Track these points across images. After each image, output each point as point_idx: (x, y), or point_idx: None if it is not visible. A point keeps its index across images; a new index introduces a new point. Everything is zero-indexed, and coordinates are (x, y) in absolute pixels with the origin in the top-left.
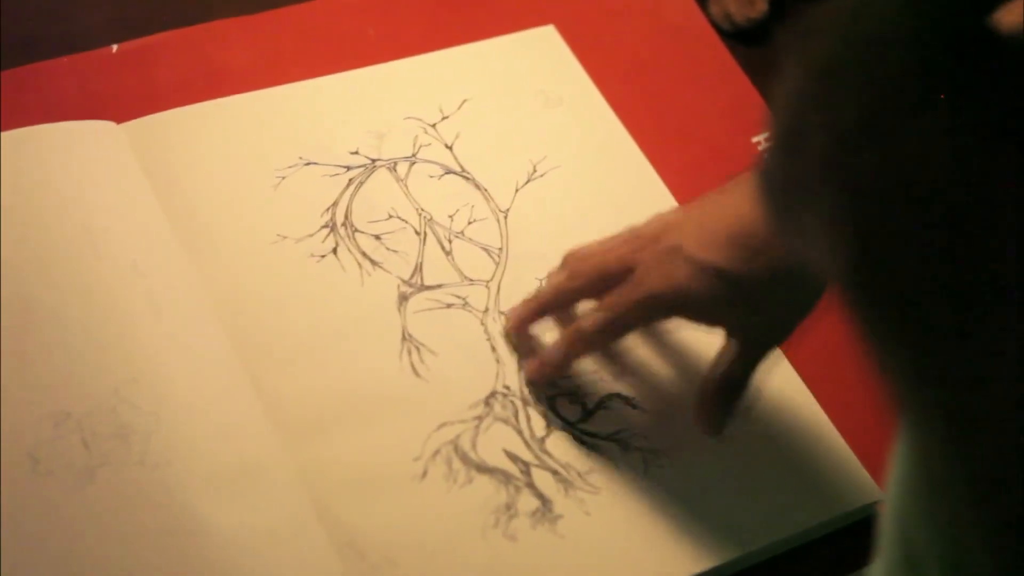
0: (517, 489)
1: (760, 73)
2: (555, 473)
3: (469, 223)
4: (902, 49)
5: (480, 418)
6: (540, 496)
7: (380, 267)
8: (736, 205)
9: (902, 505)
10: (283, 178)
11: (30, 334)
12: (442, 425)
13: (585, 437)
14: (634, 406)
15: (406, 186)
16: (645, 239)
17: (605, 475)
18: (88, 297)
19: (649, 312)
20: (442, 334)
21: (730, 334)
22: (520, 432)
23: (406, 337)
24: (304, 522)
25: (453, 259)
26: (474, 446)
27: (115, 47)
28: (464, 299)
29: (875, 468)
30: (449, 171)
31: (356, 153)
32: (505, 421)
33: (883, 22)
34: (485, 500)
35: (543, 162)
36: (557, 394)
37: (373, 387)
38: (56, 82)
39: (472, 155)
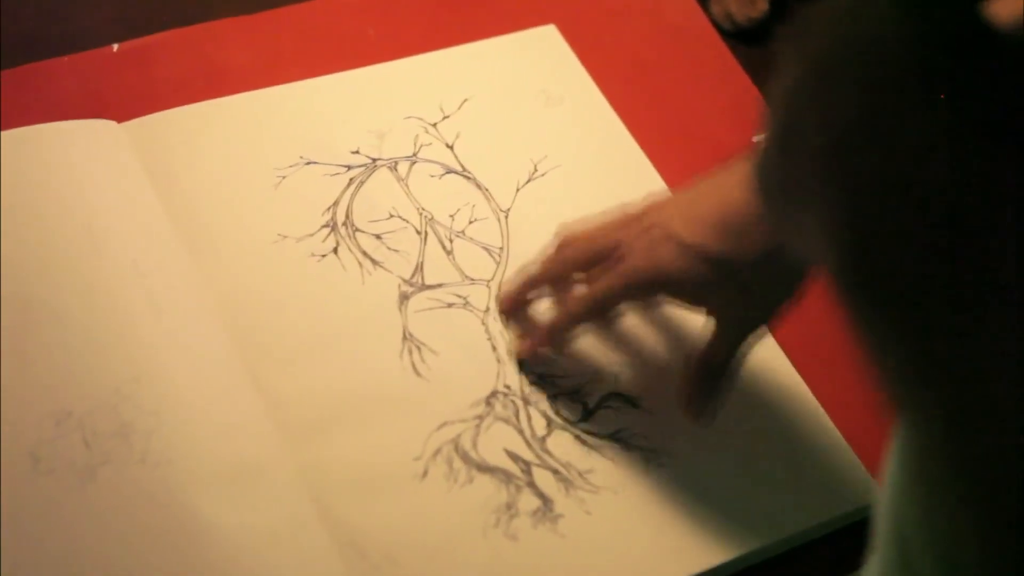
0: (518, 488)
1: (761, 73)
2: (556, 472)
3: (470, 222)
4: (899, 47)
5: (481, 417)
6: (541, 495)
7: (381, 266)
8: (723, 189)
9: (897, 503)
10: (284, 177)
11: (31, 333)
12: (443, 424)
13: (586, 436)
14: (635, 405)
15: (407, 185)
16: (635, 221)
17: (606, 475)
18: (89, 296)
19: (632, 289)
20: (443, 333)
21: (713, 315)
22: (521, 431)
23: (407, 336)
24: (305, 521)
25: (454, 258)
26: (475, 445)
27: (116, 46)
28: (465, 298)
29: (875, 468)
30: (450, 170)
31: (357, 152)
32: (506, 420)
33: (880, 20)
34: (486, 499)
35: (544, 161)
36: (558, 393)
37: (374, 386)
38: (57, 81)
39: (473, 154)
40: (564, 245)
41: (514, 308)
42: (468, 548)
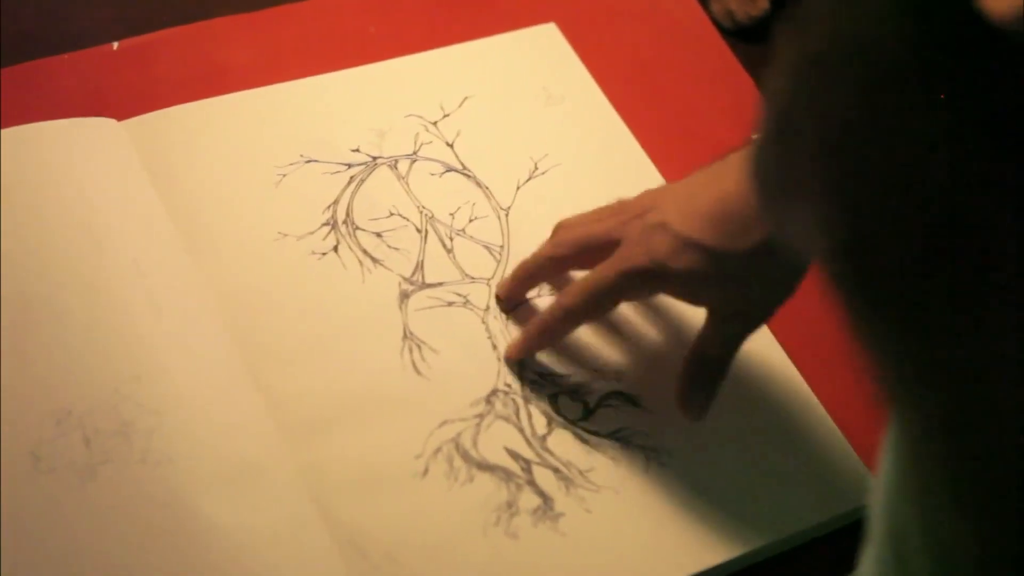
0: (518, 487)
1: (762, 71)
2: (556, 471)
3: (470, 221)
4: (897, 43)
5: (481, 416)
6: (541, 494)
7: (381, 265)
8: (720, 181)
9: (892, 500)
10: (284, 176)
11: (31, 332)
12: (443, 423)
13: (586, 435)
14: (636, 404)
15: (407, 184)
16: (631, 213)
17: (606, 473)
18: (89, 295)
19: (627, 280)
20: (443, 332)
21: (710, 309)
22: (521, 430)
23: (407, 335)
24: (305, 520)
25: (454, 257)
26: (475, 444)
27: (116, 44)
28: (465, 297)
29: (876, 467)
30: (450, 169)
31: (357, 151)
32: (506, 419)
33: (877, 16)
34: (486, 498)
35: (544, 160)
36: (558, 392)
37: (374, 385)
38: (57, 79)
39: (473, 153)
40: (560, 238)
41: (512, 300)
42: (468, 547)
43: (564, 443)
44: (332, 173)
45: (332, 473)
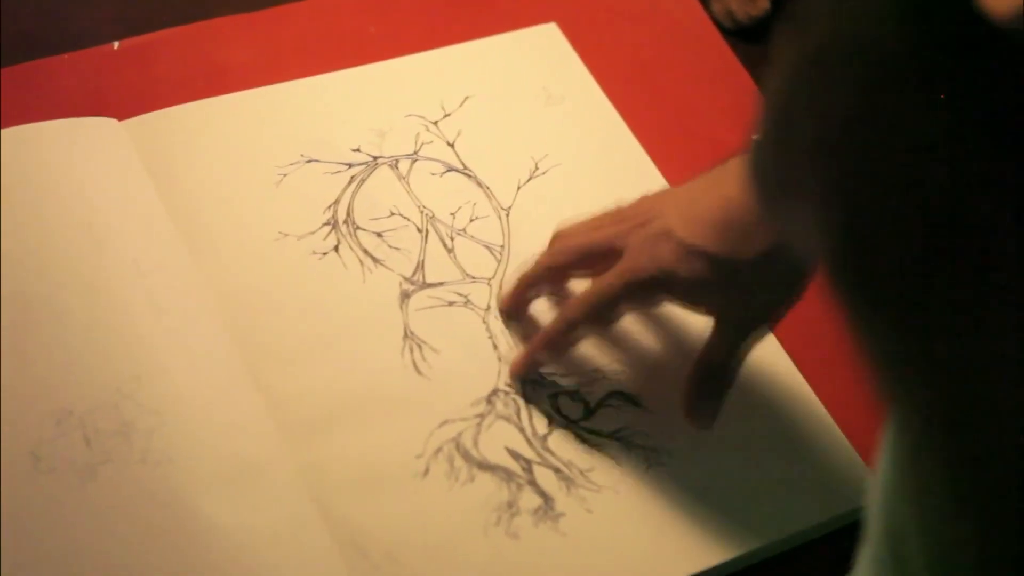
0: (519, 487)
1: (762, 71)
2: (557, 471)
3: (471, 220)
4: (897, 42)
5: (482, 416)
6: (542, 494)
7: (382, 265)
8: (722, 187)
9: (889, 499)
10: (284, 175)
11: (32, 331)
12: (444, 423)
13: (587, 435)
14: (636, 404)
15: (408, 183)
16: (633, 221)
17: (607, 473)
18: (90, 294)
19: (636, 293)
20: (444, 332)
21: (715, 317)
22: (522, 430)
23: (408, 335)
24: (306, 520)
25: (455, 257)
26: (476, 444)
27: (116, 44)
28: (466, 297)
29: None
30: (451, 168)
31: (358, 150)
32: (507, 419)
33: (877, 14)
34: (487, 498)
35: (545, 159)
36: (559, 392)
37: (375, 385)
38: (57, 79)
39: (474, 152)
40: (560, 246)
41: (514, 309)
42: (469, 546)
43: (565, 443)
44: (333, 173)
45: (333, 473)
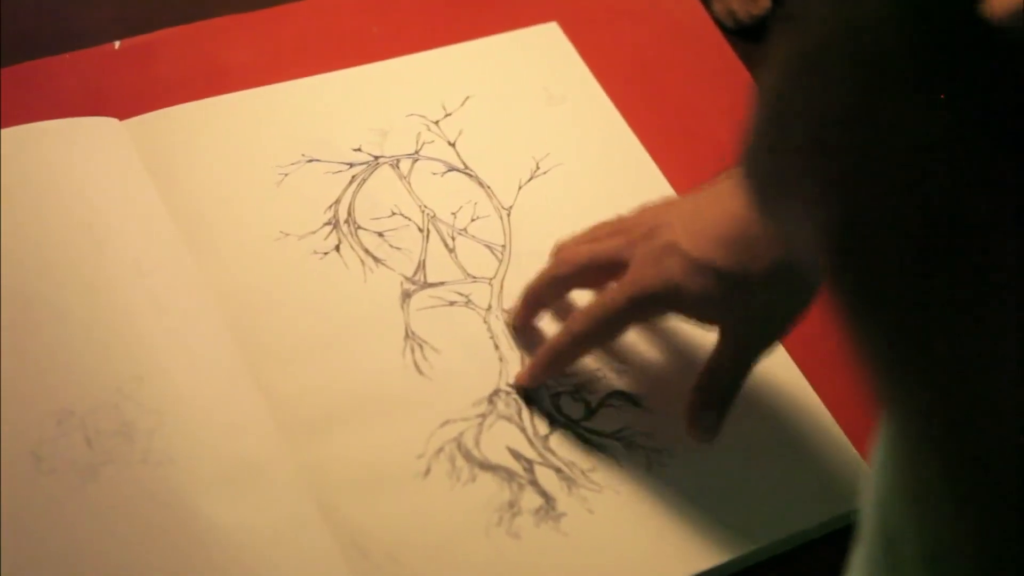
0: (520, 487)
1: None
2: (558, 471)
3: (472, 220)
4: (892, 36)
5: (483, 416)
6: (543, 494)
7: (383, 264)
8: (731, 202)
9: (885, 499)
10: (286, 175)
11: (32, 331)
12: (445, 423)
13: (588, 435)
14: (637, 404)
15: (409, 183)
16: (637, 232)
17: (608, 473)
18: (91, 294)
19: (643, 308)
20: (445, 331)
21: (721, 331)
22: (523, 430)
23: (409, 335)
24: (307, 520)
25: (456, 256)
26: (477, 444)
27: (117, 44)
28: (467, 296)
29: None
30: (452, 168)
31: (359, 150)
32: (508, 419)
33: (872, 12)
34: (488, 498)
35: (546, 159)
36: (560, 392)
37: (376, 385)
38: (58, 79)
39: (475, 152)
40: (562, 258)
41: (525, 326)
42: (470, 547)
43: (566, 443)
44: (334, 172)
45: (334, 473)
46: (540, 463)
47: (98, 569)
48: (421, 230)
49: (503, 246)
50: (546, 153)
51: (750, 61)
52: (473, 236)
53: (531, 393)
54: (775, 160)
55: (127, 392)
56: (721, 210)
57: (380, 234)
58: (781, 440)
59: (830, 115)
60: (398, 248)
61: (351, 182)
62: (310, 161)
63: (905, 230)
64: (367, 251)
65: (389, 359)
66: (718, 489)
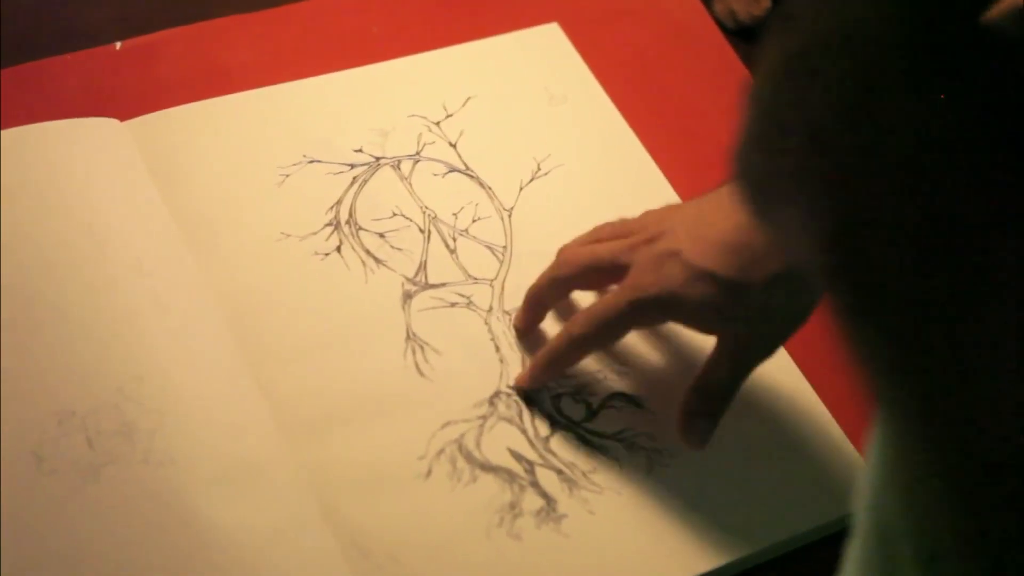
0: (521, 488)
1: None
2: (559, 472)
3: (473, 221)
4: (884, 32)
5: (484, 417)
6: (544, 495)
7: (384, 265)
8: (734, 211)
9: (878, 496)
10: (287, 176)
11: (34, 332)
12: (446, 424)
13: (589, 436)
14: (638, 405)
15: (410, 184)
16: (640, 236)
17: (609, 475)
18: (92, 295)
19: (642, 313)
20: (446, 333)
21: (719, 339)
22: (524, 431)
23: (410, 336)
24: (308, 521)
25: (457, 257)
26: (478, 445)
27: (118, 44)
28: (468, 298)
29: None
30: (453, 169)
31: (360, 151)
32: (509, 420)
33: (863, 8)
34: (489, 499)
35: (547, 160)
36: (561, 393)
37: (377, 386)
38: (59, 80)
39: (476, 153)
40: (564, 259)
41: (529, 328)
42: (471, 548)
43: (567, 444)
44: (335, 173)
45: (335, 474)
46: (541, 464)
47: (99, 569)
48: (422, 231)
49: (504, 247)
50: (547, 154)
51: (751, 62)
52: (474, 237)
53: (532, 395)
54: (768, 161)
55: (128, 392)
56: (724, 216)
57: (381, 235)
58: (782, 442)
59: (826, 115)
60: (399, 249)
61: (352, 183)
62: (311, 162)
63: (904, 230)
64: (368, 252)
65: (390, 360)
66: (720, 491)
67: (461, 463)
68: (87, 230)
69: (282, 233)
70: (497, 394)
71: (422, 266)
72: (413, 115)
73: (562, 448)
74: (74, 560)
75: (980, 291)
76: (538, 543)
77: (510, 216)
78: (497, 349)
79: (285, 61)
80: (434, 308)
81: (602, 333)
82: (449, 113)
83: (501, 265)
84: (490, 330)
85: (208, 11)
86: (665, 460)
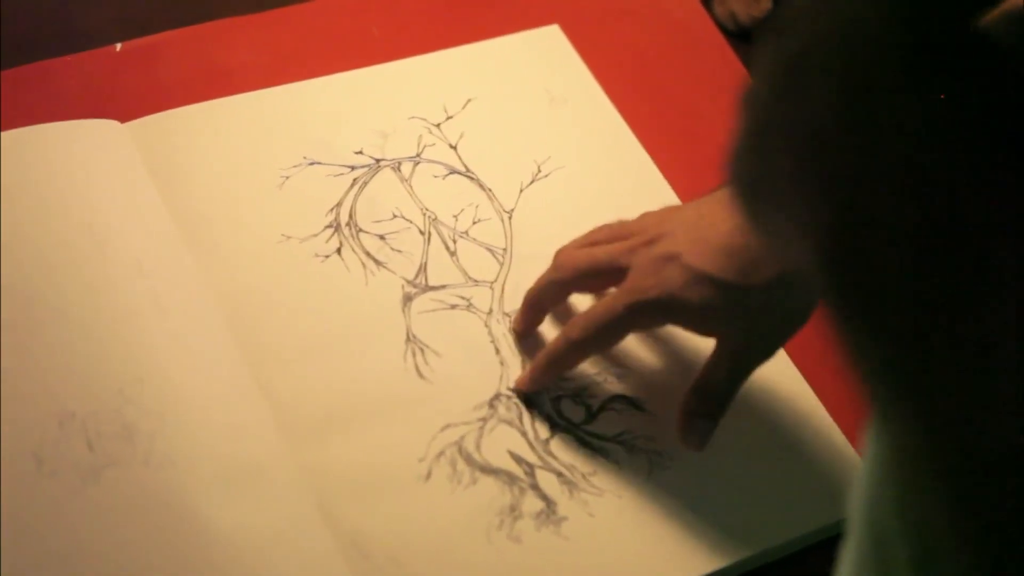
0: (521, 491)
1: None
2: (559, 475)
3: (473, 223)
4: (880, 34)
5: (484, 419)
6: (544, 498)
7: (384, 267)
8: (734, 213)
9: (874, 498)
10: (287, 178)
11: (34, 334)
12: (446, 426)
13: (589, 439)
14: (638, 408)
15: (410, 186)
16: (639, 239)
17: (609, 477)
18: (92, 297)
19: (640, 316)
20: (446, 335)
21: (718, 342)
22: (524, 434)
23: (410, 338)
24: (308, 523)
25: (457, 259)
26: (478, 447)
27: (119, 46)
28: (468, 300)
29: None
30: (453, 171)
31: (360, 153)
32: (509, 423)
33: (859, 14)
34: (489, 501)
35: (547, 162)
36: (561, 395)
37: (377, 388)
38: (60, 81)
39: (476, 155)
40: (562, 262)
41: (528, 331)
42: (471, 550)
43: (567, 447)
44: (335, 175)
45: (335, 476)
46: (541, 467)
47: (99, 571)
48: (422, 233)
49: (504, 249)
50: (547, 156)
51: (751, 64)
52: (474, 239)
53: (532, 397)
54: (764, 163)
55: (128, 394)
56: (724, 218)
57: (381, 237)
58: (782, 444)
59: (825, 115)
60: (399, 251)
61: (352, 185)
62: (312, 164)
63: (903, 230)
64: (368, 254)
65: (390, 362)
66: (720, 493)
67: (461, 465)
68: (87, 231)
69: (282, 235)
70: (497, 396)
71: (422, 268)
72: (413, 117)
73: (562, 450)
74: (74, 562)
75: (979, 291)
76: (538, 545)
77: (510, 218)
78: (497, 351)
79: (285, 63)
80: (434, 310)
81: (601, 336)
82: (449, 115)
83: (501, 267)
84: (490, 332)
85: (209, 12)
86: (665, 462)
